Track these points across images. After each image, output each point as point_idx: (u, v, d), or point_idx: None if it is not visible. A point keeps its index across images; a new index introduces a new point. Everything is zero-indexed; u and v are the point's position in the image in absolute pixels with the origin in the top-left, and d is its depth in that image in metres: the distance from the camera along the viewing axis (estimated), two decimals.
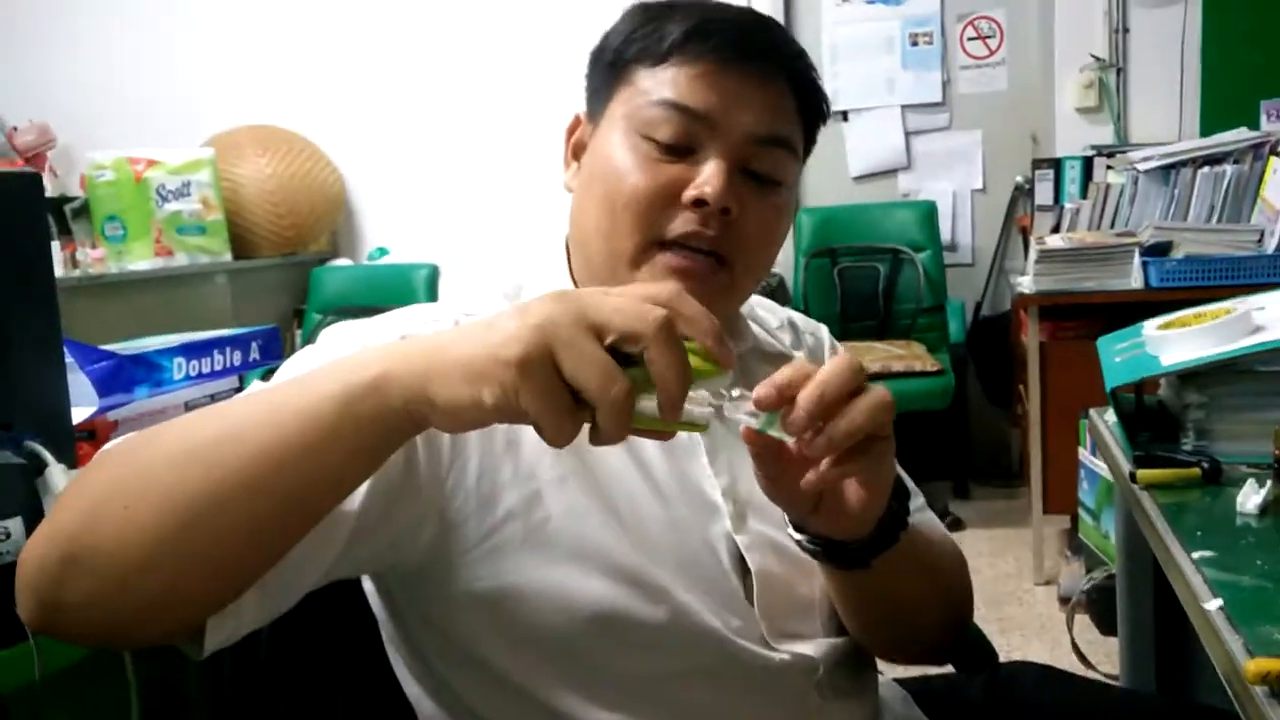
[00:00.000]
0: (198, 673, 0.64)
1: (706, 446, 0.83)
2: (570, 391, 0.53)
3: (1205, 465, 1.02)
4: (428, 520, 0.72)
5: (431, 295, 3.62)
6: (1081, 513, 2.69)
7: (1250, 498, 0.94)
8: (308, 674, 0.85)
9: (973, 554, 3.11)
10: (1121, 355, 1.20)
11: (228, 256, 3.68)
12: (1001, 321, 3.72)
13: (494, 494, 0.73)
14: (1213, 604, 0.74)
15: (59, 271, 3.10)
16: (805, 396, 0.61)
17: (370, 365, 0.56)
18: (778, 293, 3.88)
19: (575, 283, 0.85)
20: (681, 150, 0.78)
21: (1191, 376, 1.10)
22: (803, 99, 0.82)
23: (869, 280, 3.72)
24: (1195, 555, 0.83)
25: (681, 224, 0.78)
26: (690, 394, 0.56)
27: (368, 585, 0.80)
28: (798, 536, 0.74)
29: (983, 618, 2.77)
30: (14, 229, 1.00)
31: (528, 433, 0.56)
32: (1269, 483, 0.95)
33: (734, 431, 0.85)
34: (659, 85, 0.78)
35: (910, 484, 0.97)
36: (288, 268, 3.96)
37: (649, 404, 0.55)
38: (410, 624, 0.78)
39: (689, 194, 0.77)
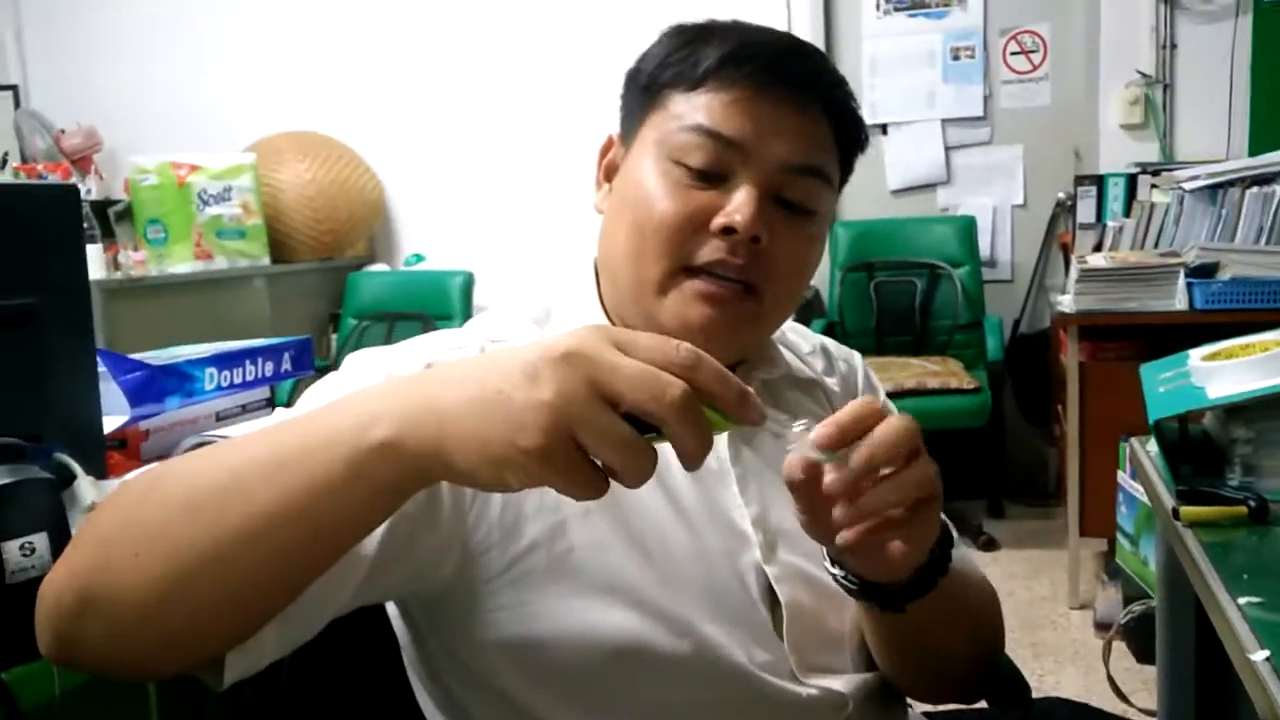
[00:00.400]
0: (217, 692, 0.63)
1: (737, 475, 0.81)
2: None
3: (1252, 503, 0.99)
4: (450, 551, 0.71)
5: (466, 303, 3.63)
6: (1120, 537, 2.63)
7: None
8: (329, 693, 0.85)
9: (1006, 575, 3.06)
10: (1166, 385, 1.17)
11: (266, 260, 3.72)
12: (1040, 339, 3.67)
13: (518, 525, 0.72)
14: (1259, 655, 0.72)
15: (101, 274, 3.16)
16: (871, 441, 0.60)
17: (378, 423, 0.54)
18: (813, 306, 3.85)
19: (604, 306, 0.84)
20: (713, 177, 0.77)
21: (1239, 410, 1.07)
22: (840, 128, 0.81)
23: (906, 295, 3.68)
24: (1241, 601, 0.80)
25: (710, 252, 0.76)
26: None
27: (391, 608, 0.80)
28: (834, 571, 0.73)
29: (1016, 641, 2.73)
30: (51, 240, 1.01)
31: None
32: None
33: (765, 460, 0.84)
34: (692, 110, 0.77)
35: (954, 530, 0.95)
36: (325, 272, 4.00)
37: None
38: (431, 650, 0.77)
39: (718, 221, 0.76)
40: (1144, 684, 2.29)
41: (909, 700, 0.91)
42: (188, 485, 0.57)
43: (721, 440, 0.81)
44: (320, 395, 0.73)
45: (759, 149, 0.76)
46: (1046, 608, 2.82)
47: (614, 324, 0.83)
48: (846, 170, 0.84)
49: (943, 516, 0.75)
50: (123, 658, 0.57)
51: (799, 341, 0.95)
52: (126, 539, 0.56)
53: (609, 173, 0.85)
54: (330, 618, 0.65)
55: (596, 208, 0.85)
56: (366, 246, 4.23)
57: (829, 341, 0.98)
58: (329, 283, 3.98)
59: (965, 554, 0.91)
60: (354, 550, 0.62)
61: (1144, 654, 2.37)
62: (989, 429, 3.34)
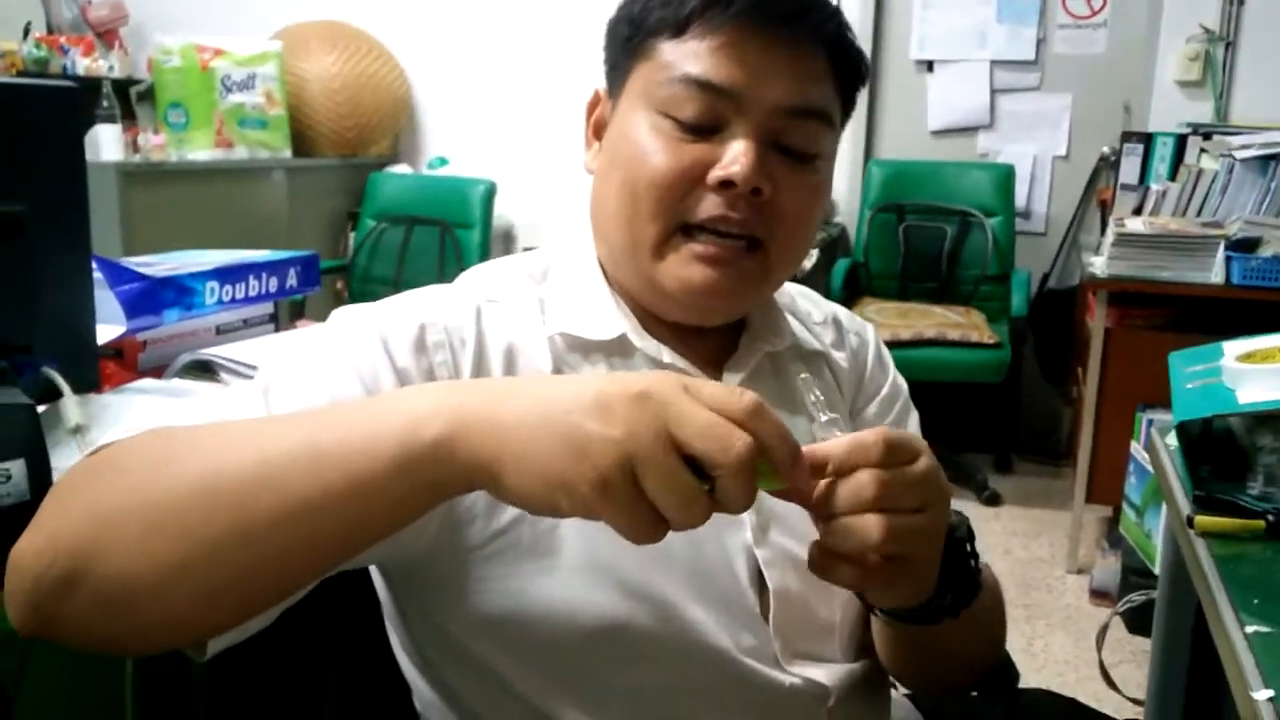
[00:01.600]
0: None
1: None
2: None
3: (1271, 518, 0.96)
4: (433, 517, 0.68)
5: (487, 212, 3.57)
6: (1125, 506, 2.61)
7: None
8: (304, 643, 0.83)
9: (1007, 533, 3.06)
10: (1194, 382, 1.12)
11: (287, 153, 3.66)
12: (1067, 297, 3.59)
13: None
14: (1262, 695, 0.69)
15: (119, 155, 3.11)
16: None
17: (433, 421, 0.52)
18: (838, 245, 3.78)
19: (602, 268, 0.80)
20: (706, 129, 0.72)
21: (1268, 417, 1.02)
22: (838, 62, 0.75)
23: (935, 241, 3.59)
24: (1249, 629, 0.78)
25: (708, 208, 0.72)
26: None
27: (373, 570, 0.78)
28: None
29: (1010, 602, 2.72)
30: (48, 145, 0.97)
31: None
32: None
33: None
34: (679, 59, 0.72)
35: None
36: (346, 169, 3.93)
37: None
38: (410, 616, 0.75)
39: (714, 175, 0.71)
40: (1132, 655, 2.30)
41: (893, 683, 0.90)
42: (208, 469, 0.54)
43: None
44: (309, 355, 0.69)
45: (752, 95, 0.72)
46: (1044, 569, 2.82)
47: (610, 285, 0.79)
48: (848, 106, 0.79)
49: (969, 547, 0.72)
50: (106, 636, 0.55)
51: (810, 310, 0.91)
52: (131, 519, 0.53)
53: (598, 130, 0.81)
54: (314, 583, 0.63)
55: (586, 167, 0.81)
56: (390, 146, 4.15)
57: (842, 312, 0.94)
58: (350, 180, 3.92)
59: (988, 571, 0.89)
60: None
61: (1136, 625, 2.37)
62: (1005, 382, 3.29)
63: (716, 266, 0.73)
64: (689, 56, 0.72)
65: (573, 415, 0.51)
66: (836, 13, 0.76)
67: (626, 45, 0.77)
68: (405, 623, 0.76)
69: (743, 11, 0.71)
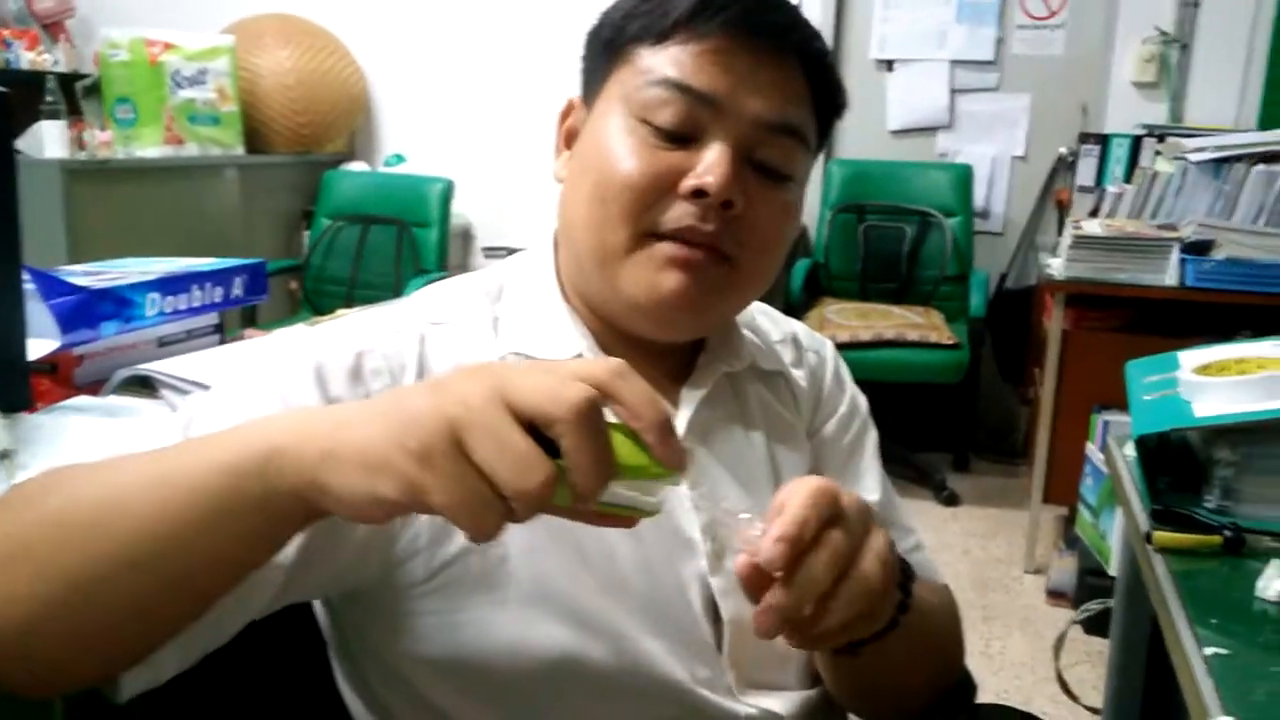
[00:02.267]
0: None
1: (689, 479, 0.75)
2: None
3: (1228, 534, 0.95)
4: (376, 553, 0.66)
5: (444, 211, 3.52)
6: (1081, 507, 2.63)
7: (1272, 582, 0.86)
8: (247, 675, 0.80)
9: (964, 533, 3.07)
10: (1151, 394, 1.12)
11: (240, 150, 3.59)
12: (1025, 296, 3.62)
13: (449, 528, 0.67)
14: None
15: (63, 153, 3.03)
16: (785, 601, 0.54)
17: (270, 434, 0.49)
18: (799, 244, 3.78)
19: (561, 283, 0.77)
20: (683, 137, 0.70)
21: (1225, 431, 1.02)
22: (817, 87, 0.74)
23: (894, 241, 3.60)
24: (1207, 651, 0.77)
25: (677, 216, 0.70)
26: (631, 495, 0.50)
27: (315, 603, 0.75)
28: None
29: (968, 603, 2.74)
30: None
31: None
32: None
33: (722, 463, 0.79)
34: (661, 64, 0.70)
35: (908, 517, 0.90)
36: (301, 166, 3.86)
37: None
38: (355, 649, 0.72)
39: (687, 183, 0.69)
40: (1088, 656, 2.32)
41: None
42: (66, 500, 0.52)
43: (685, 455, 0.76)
44: (238, 385, 0.66)
45: (733, 104, 0.70)
46: (1001, 570, 2.83)
47: (570, 302, 0.77)
48: (824, 132, 0.78)
49: (903, 556, 0.70)
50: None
51: (769, 327, 0.89)
52: None
53: (569, 138, 0.78)
54: (244, 624, 0.60)
55: (556, 175, 0.78)
56: (346, 143, 4.09)
57: (801, 330, 0.92)
58: (304, 178, 3.85)
59: (924, 561, 0.87)
60: (270, 562, 0.57)
61: (1092, 626, 2.39)
62: (963, 384, 3.31)
63: (687, 271, 0.70)
64: (670, 62, 0.70)
65: (404, 398, 0.48)
66: (819, 36, 0.75)
67: (605, 50, 0.75)
68: (350, 657, 0.73)
69: (729, 21, 0.69)
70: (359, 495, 0.47)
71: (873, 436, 0.90)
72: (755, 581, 0.56)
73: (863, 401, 0.91)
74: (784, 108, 0.72)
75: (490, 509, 0.46)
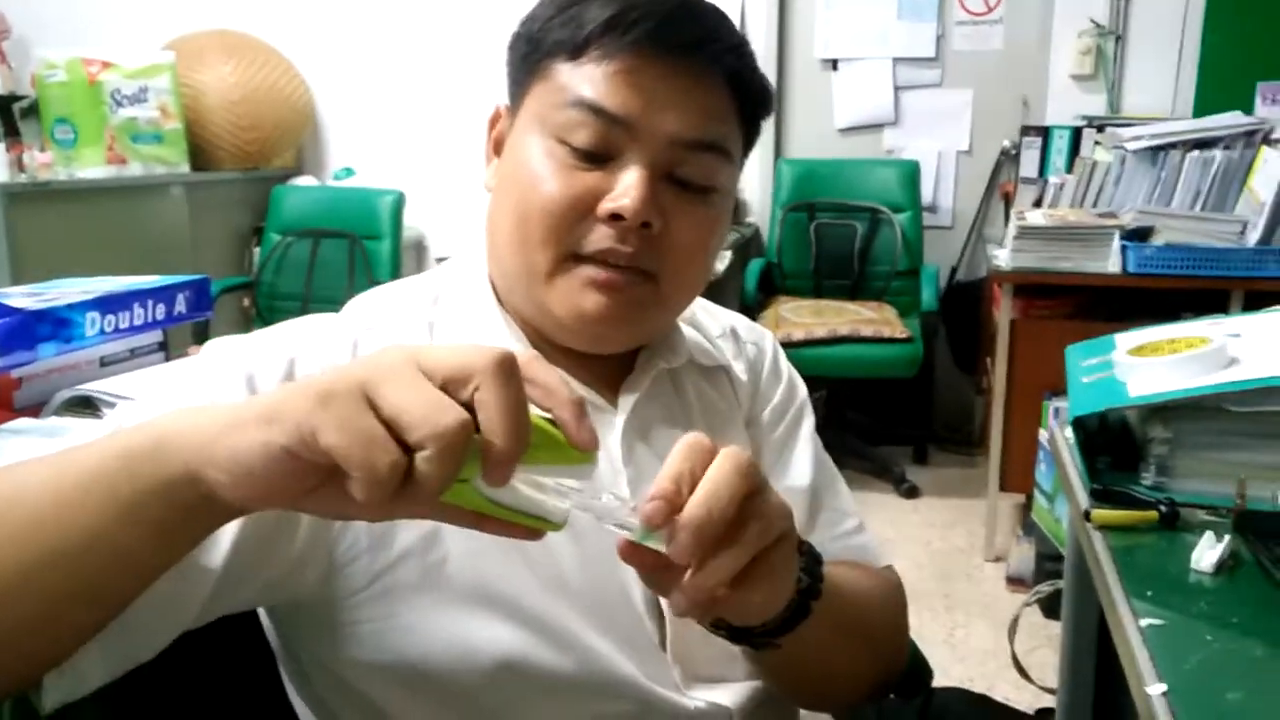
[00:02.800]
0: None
1: (629, 476, 0.76)
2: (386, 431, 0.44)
3: (1163, 509, 0.98)
4: (312, 561, 0.65)
5: (396, 224, 3.51)
6: (1037, 493, 2.67)
7: (1206, 553, 0.89)
8: (198, 686, 0.80)
9: (925, 524, 3.11)
10: (1089, 376, 1.15)
11: (185, 168, 3.54)
12: (975, 288, 3.67)
13: (389, 532, 0.67)
14: (1156, 689, 0.70)
15: (3, 175, 2.98)
16: (689, 521, 0.51)
17: (166, 421, 0.48)
18: (751, 245, 3.80)
19: (495, 290, 0.78)
20: (599, 157, 0.70)
21: (1158, 409, 1.05)
22: (740, 95, 0.74)
23: (845, 239, 3.64)
24: (1143, 623, 0.79)
25: (598, 240, 0.70)
26: (548, 481, 0.49)
27: (261, 611, 0.74)
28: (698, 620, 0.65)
29: (930, 592, 2.77)
30: None
31: None
32: (1226, 537, 0.90)
33: (659, 455, 0.80)
34: (575, 83, 0.70)
35: (848, 502, 0.91)
36: (249, 183, 3.83)
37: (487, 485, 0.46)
38: (303, 659, 0.72)
39: (605, 207, 0.70)
40: (1048, 640, 2.35)
41: None
42: None
43: (614, 439, 0.76)
44: (168, 392, 0.66)
45: (647, 125, 0.70)
46: (962, 559, 2.87)
47: (503, 306, 0.77)
48: (750, 139, 0.78)
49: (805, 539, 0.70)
50: None
51: (709, 323, 0.90)
52: None
53: (498, 146, 0.79)
54: (174, 635, 0.60)
55: (486, 185, 0.79)
56: (294, 158, 4.06)
57: (741, 322, 0.93)
58: (253, 194, 3.81)
59: (862, 542, 0.88)
60: (196, 565, 0.57)
61: (1051, 610, 2.43)
62: (919, 377, 3.35)
63: (608, 293, 0.71)
64: (585, 81, 0.70)
65: (314, 377, 0.47)
66: (742, 45, 0.74)
67: (524, 62, 0.75)
68: (299, 668, 0.73)
69: (641, 38, 0.69)
70: (245, 448, 0.45)
71: (808, 423, 0.90)
72: (631, 554, 0.54)
73: (800, 389, 0.92)
74: (702, 124, 0.71)
75: (382, 449, 0.43)
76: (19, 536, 0.49)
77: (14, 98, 3.58)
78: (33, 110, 3.36)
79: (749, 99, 0.75)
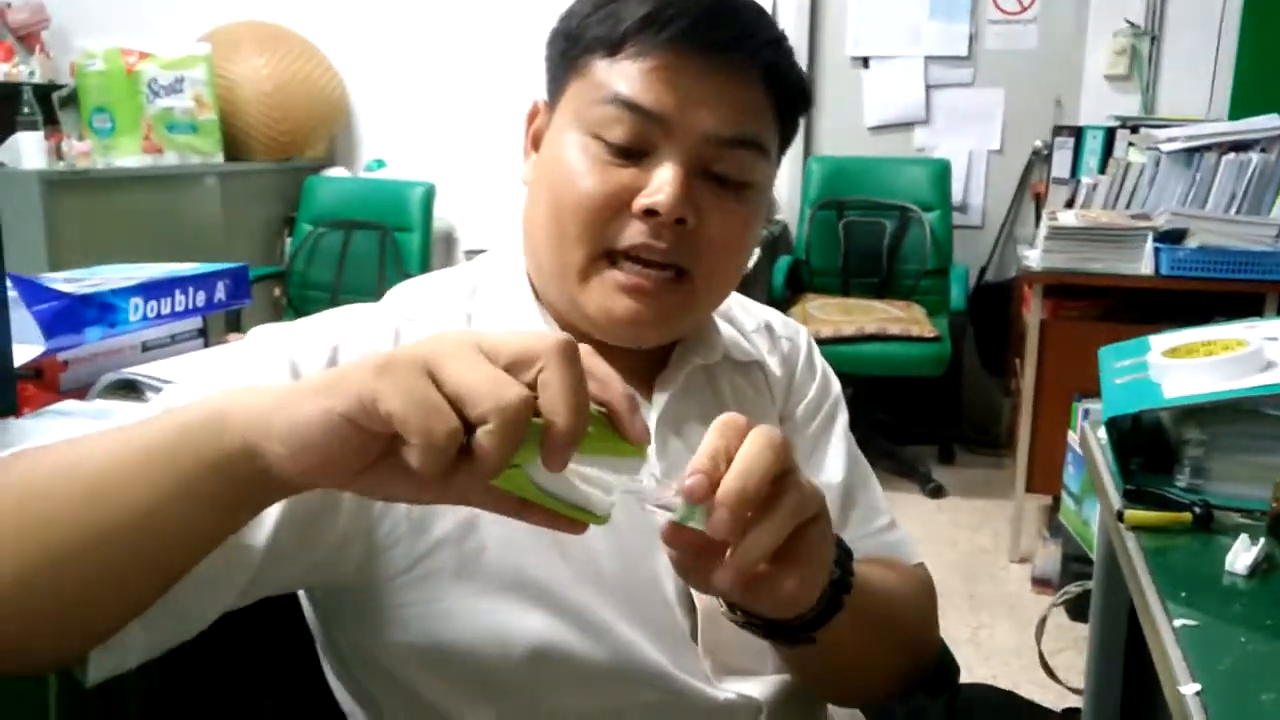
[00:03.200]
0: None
1: (663, 469, 0.77)
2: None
3: (1197, 510, 0.97)
4: (354, 543, 0.67)
5: (426, 215, 3.53)
6: (1064, 495, 2.66)
7: (1240, 555, 0.89)
8: (239, 669, 0.81)
9: (951, 524, 3.10)
10: (1122, 377, 1.14)
11: (219, 158, 3.58)
12: (1005, 289, 3.65)
13: (427, 518, 0.68)
14: (1189, 689, 0.70)
15: (42, 163, 3.03)
16: (725, 496, 0.52)
17: (223, 397, 0.49)
18: (780, 243, 3.80)
19: (532, 284, 0.79)
20: (635, 152, 0.71)
21: (1193, 411, 1.04)
22: (776, 92, 0.74)
23: (874, 237, 3.63)
24: (1177, 623, 0.79)
25: (632, 235, 0.71)
26: (594, 474, 0.50)
27: (301, 594, 0.76)
28: (732, 616, 0.66)
29: (955, 592, 2.76)
30: None
31: None
32: (1261, 540, 0.90)
33: (693, 449, 0.80)
34: (612, 79, 0.71)
35: (880, 499, 0.91)
36: (281, 173, 3.86)
37: (540, 472, 0.47)
38: (339, 640, 0.74)
39: (639, 203, 0.70)
40: (1074, 643, 2.34)
41: None
42: (29, 468, 0.52)
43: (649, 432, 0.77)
44: (215, 370, 0.67)
45: (682, 121, 0.70)
46: (988, 560, 2.86)
47: (539, 300, 0.78)
48: (788, 135, 0.78)
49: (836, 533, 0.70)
50: None
51: (744, 318, 0.90)
52: None
53: (536, 140, 0.79)
54: (216, 614, 0.61)
55: (523, 179, 0.79)
56: (326, 149, 4.09)
57: (775, 318, 0.93)
58: (285, 185, 3.85)
59: (895, 540, 0.88)
60: (240, 544, 0.59)
61: (1077, 612, 2.42)
62: (946, 377, 3.34)
63: (639, 298, 0.72)
64: (621, 77, 0.71)
65: (345, 368, 0.48)
66: (779, 40, 0.74)
67: (563, 59, 0.75)
68: (337, 651, 0.75)
69: (677, 35, 0.69)
70: (304, 418, 0.45)
71: (842, 419, 0.91)
72: (674, 536, 0.55)
73: (835, 385, 0.92)
74: (738, 120, 0.72)
75: (441, 415, 0.44)
76: (78, 508, 0.50)
77: (53, 86, 3.63)
78: (71, 99, 3.40)
79: (786, 94, 0.75)
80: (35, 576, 0.50)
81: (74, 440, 0.54)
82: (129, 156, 3.30)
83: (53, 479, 0.51)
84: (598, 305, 0.73)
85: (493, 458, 0.44)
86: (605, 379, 0.49)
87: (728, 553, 0.54)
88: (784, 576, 0.57)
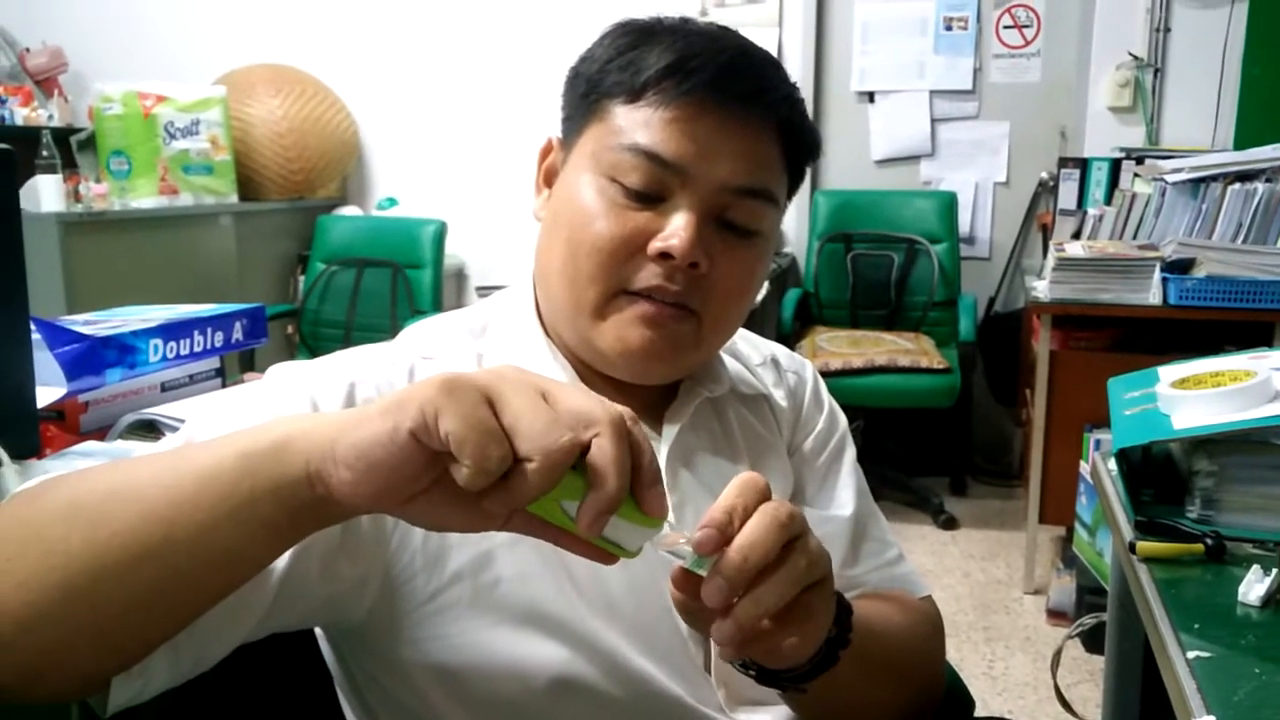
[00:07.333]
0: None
1: (674, 502, 0.78)
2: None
3: (1209, 542, 0.98)
4: (371, 579, 0.68)
5: (438, 253, 3.57)
6: (1078, 526, 2.65)
7: (1253, 586, 0.89)
8: (257, 708, 0.82)
9: (964, 556, 3.09)
10: (1131, 409, 1.15)
11: (234, 198, 3.63)
12: (1014, 319, 3.66)
13: (442, 552, 0.69)
14: None
15: (60, 205, 3.07)
16: (724, 566, 0.53)
17: (283, 425, 0.51)
18: (788, 275, 3.82)
19: (542, 323, 0.80)
20: (651, 197, 0.73)
21: (1203, 441, 1.05)
22: (789, 144, 0.76)
23: (882, 269, 3.65)
24: (1190, 655, 0.79)
25: (647, 277, 0.73)
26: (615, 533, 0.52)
27: (322, 642, 0.77)
28: (724, 655, 0.66)
29: (969, 624, 2.74)
30: None
31: None
32: (1274, 571, 0.90)
33: (704, 484, 0.81)
34: (631, 127, 0.73)
35: (888, 532, 0.92)
36: (294, 212, 3.91)
37: (572, 507, 0.50)
38: (355, 673, 0.74)
39: (655, 246, 0.72)
40: (1090, 675, 2.33)
41: None
42: (77, 490, 0.53)
43: (660, 465, 0.78)
44: (236, 405, 0.69)
45: (699, 171, 0.73)
46: (1001, 591, 2.85)
47: (551, 337, 0.80)
48: (795, 183, 0.81)
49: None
50: None
51: (749, 352, 0.92)
52: (2, 546, 0.52)
53: (549, 177, 0.81)
54: (233, 646, 0.62)
55: (535, 214, 0.81)
56: (338, 188, 4.14)
57: (781, 352, 0.95)
58: (298, 224, 3.90)
59: (907, 573, 0.89)
60: (258, 577, 0.59)
61: (1093, 644, 2.40)
62: (956, 408, 3.34)
63: (654, 328, 0.74)
64: (640, 125, 0.73)
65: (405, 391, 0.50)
66: (793, 95, 0.77)
67: (583, 101, 0.77)
68: (355, 689, 0.75)
69: (698, 87, 0.72)
70: (376, 438, 0.48)
71: (850, 452, 0.92)
72: (683, 582, 0.57)
73: (841, 418, 0.93)
74: (752, 172, 0.74)
75: (497, 442, 0.47)
76: (129, 527, 0.51)
77: (71, 130, 3.69)
78: (89, 142, 3.46)
79: (798, 147, 0.78)
80: (82, 590, 0.51)
81: (128, 460, 0.55)
82: (145, 198, 3.35)
83: (107, 498, 0.52)
84: (613, 338, 0.74)
85: (531, 489, 0.47)
86: (644, 451, 0.51)
87: (732, 606, 0.55)
88: (783, 634, 0.57)
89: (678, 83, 0.72)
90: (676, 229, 0.72)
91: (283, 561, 0.61)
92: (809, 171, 0.83)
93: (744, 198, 0.74)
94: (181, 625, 0.55)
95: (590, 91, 0.76)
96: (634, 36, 0.75)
